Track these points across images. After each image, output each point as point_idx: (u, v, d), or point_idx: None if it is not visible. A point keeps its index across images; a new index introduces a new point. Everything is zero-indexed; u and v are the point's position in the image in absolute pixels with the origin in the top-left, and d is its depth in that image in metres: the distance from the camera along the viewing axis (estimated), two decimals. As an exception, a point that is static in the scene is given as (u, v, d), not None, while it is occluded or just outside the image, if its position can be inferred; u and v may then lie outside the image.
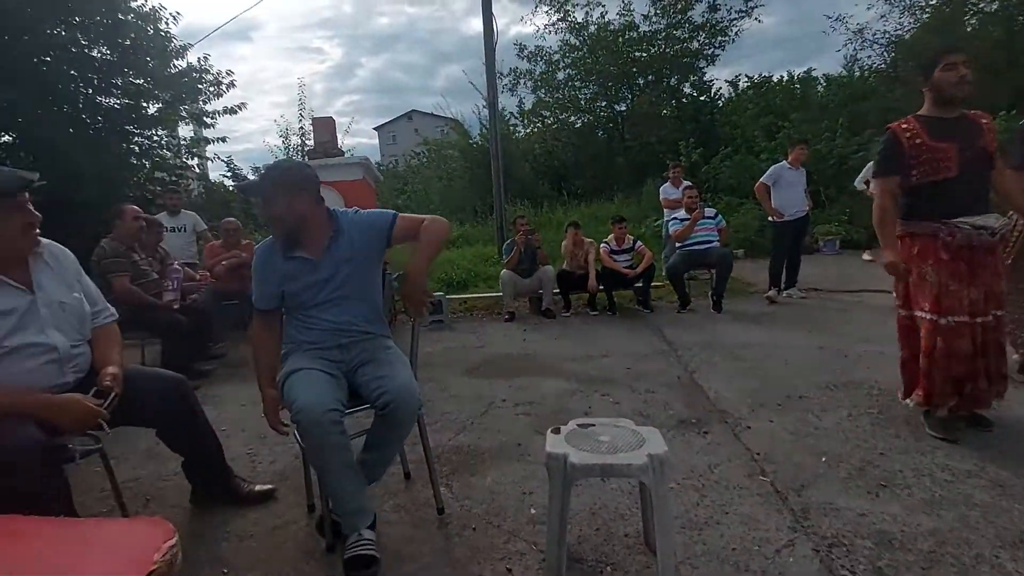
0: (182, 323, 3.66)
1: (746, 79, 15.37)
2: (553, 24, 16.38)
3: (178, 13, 9.18)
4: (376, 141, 39.23)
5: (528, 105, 17.40)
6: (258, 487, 2.11)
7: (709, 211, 5.66)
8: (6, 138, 7.96)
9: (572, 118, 17.26)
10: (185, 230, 5.32)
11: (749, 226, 9.38)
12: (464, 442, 2.56)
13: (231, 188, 13.35)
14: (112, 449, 1.86)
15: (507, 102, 17.99)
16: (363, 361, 1.82)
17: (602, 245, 5.62)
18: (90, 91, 8.52)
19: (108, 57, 8.45)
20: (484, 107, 14.35)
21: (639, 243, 5.75)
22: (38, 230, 1.57)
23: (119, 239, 3.59)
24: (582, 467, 1.49)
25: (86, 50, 8.23)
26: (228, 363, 4.30)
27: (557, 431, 1.66)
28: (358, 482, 1.70)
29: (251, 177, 13.65)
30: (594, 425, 1.71)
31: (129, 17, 8.47)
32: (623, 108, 16.77)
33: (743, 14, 15.99)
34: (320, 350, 1.81)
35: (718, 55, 16.43)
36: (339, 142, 7.33)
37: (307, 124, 14.09)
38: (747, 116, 12.82)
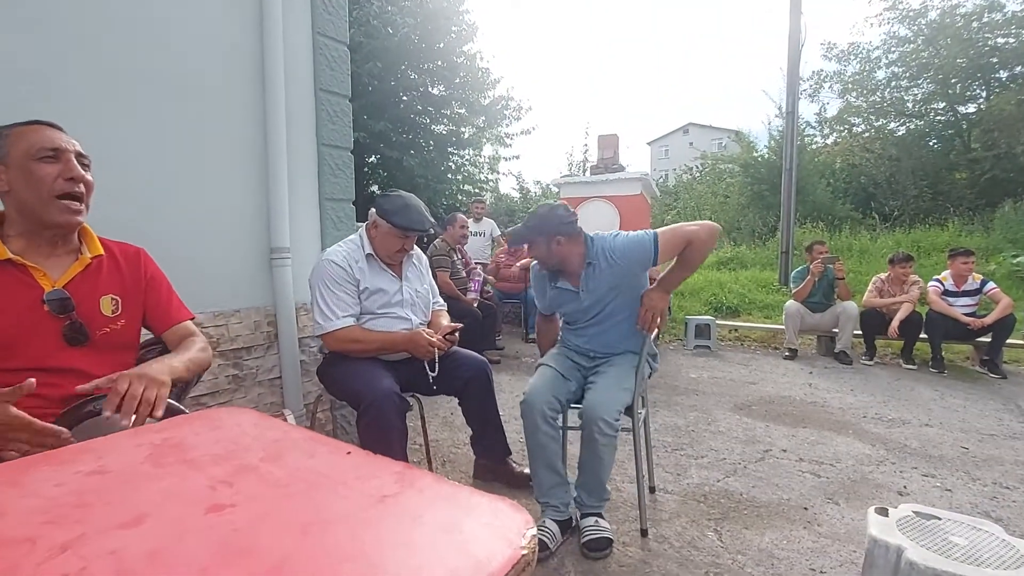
0: (478, 316, 4.26)
1: None
2: (878, 15, 13.84)
3: (494, 55, 10.82)
4: (647, 155, 39.46)
5: (832, 112, 15.09)
6: (527, 470, 2.28)
7: None
8: (372, 159, 10.55)
9: (892, 124, 14.26)
10: (484, 235, 6.21)
11: None
12: (736, 487, 2.30)
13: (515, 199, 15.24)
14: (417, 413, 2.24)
15: (804, 109, 15.90)
16: (595, 371, 1.93)
17: (931, 284, 4.45)
18: (427, 120, 10.68)
19: (442, 93, 10.48)
20: (776, 115, 13.06)
21: (991, 285, 4.36)
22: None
23: (447, 240, 4.39)
24: (926, 571, 1.15)
25: (428, 88, 10.38)
26: (505, 355, 4.82)
27: (884, 512, 1.33)
28: (557, 477, 1.82)
29: (532, 190, 15.27)
30: (940, 519, 1.32)
31: (460, 60, 10.33)
32: (971, 110, 13.11)
33: None
34: (574, 352, 2.05)
35: None
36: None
37: (589, 140, 15.05)
38: None
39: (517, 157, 11.74)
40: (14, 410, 0.85)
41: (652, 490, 2.22)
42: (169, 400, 1.04)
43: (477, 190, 11.13)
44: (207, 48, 1.95)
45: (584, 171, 13.32)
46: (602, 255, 1.91)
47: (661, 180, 21.94)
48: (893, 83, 13.99)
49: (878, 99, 14.20)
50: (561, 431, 1.97)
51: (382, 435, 1.68)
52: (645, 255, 1.84)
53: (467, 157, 11.48)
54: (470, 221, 6.14)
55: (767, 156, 13.08)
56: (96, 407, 0.97)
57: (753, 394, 3.75)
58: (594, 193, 5.77)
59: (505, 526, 0.58)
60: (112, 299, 1.20)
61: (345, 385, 1.82)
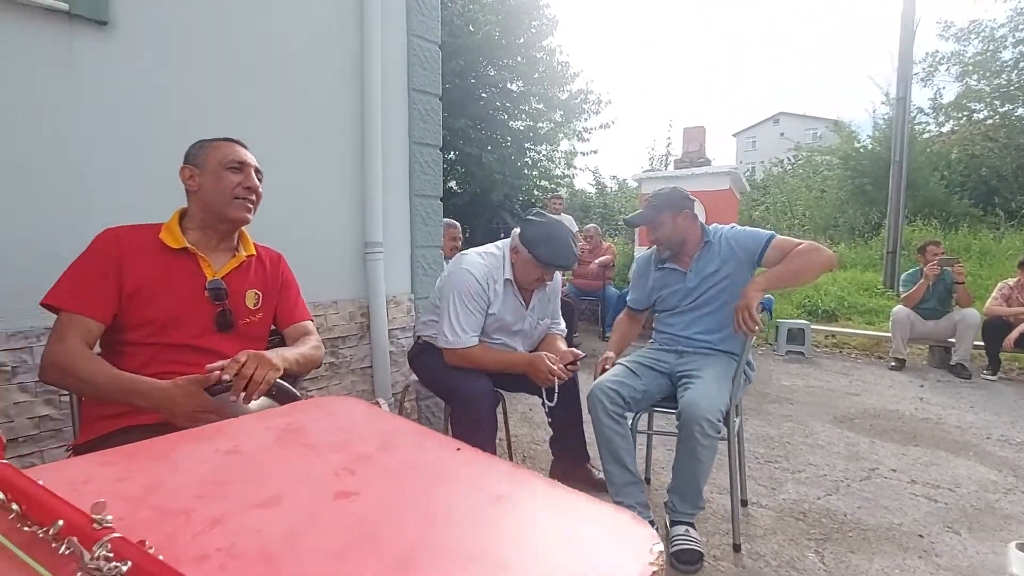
0: (556, 312, 4.24)
1: None
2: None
3: (573, 49, 10.72)
4: (733, 147, 37.51)
5: (948, 97, 13.57)
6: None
7: None
8: (451, 156, 10.80)
9: (1020, 110, 12.60)
10: (562, 231, 6.18)
11: None
12: (838, 507, 2.13)
13: (592, 196, 15.00)
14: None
15: (916, 95, 14.47)
16: (688, 372, 1.83)
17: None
18: (505, 117, 10.76)
19: (521, 89, 10.51)
20: (883, 102, 11.93)
21: None
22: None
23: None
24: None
25: (507, 84, 10.44)
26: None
27: (1031, 551, 1.17)
28: (629, 475, 1.75)
29: (609, 185, 14.99)
30: (1104, 564, 1.14)
31: (540, 55, 10.30)
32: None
33: None
34: (658, 350, 2.00)
35: None
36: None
37: (672, 133, 14.54)
38: None
39: (595, 152, 11.53)
40: (206, 394, 0.97)
41: (744, 503, 2.10)
42: (286, 385, 1.11)
43: (554, 186, 11.08)
44: (314, 56, 2.07)
45: (666, 165, 12.90)
46: (719, 239, 1.91)
47: (748, 173, 20.78)
48: (1022, 64, 12.34)
49: (1003, 82, 12.58)
50: (630, 429, 1.89)
51: (474, 429, 1.71)
52: (756, 245, 1.82)
53: (544, 152, 11.45)
54: (548, 217, 6.13)
55: (871, 147, 12.00)
56: (222, 386, 1.05)
57: (855, 406, 3.46)
58: (678, 188, 5.58)
59: (629, 538, 0.55)
60: (255, 294, 1.33)
61: (439, 377, 1.86)
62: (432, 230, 2.50)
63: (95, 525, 0.49)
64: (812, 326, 4.99)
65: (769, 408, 3.36)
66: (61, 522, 0.51)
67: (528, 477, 0.69)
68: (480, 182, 9.57)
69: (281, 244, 1.48)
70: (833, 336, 5.33)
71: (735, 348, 1.91)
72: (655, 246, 2.01)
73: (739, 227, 1.94)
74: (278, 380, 1.11)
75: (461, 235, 3.86)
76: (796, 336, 4.78)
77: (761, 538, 1.90)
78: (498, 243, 1.99)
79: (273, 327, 1.42)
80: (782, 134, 24.67)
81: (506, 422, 2.22)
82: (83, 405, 1.21)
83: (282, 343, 1.40)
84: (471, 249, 1.96)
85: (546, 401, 1.90)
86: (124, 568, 0.44)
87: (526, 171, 11.02)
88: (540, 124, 10.73)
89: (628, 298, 2.18)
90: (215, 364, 1.08)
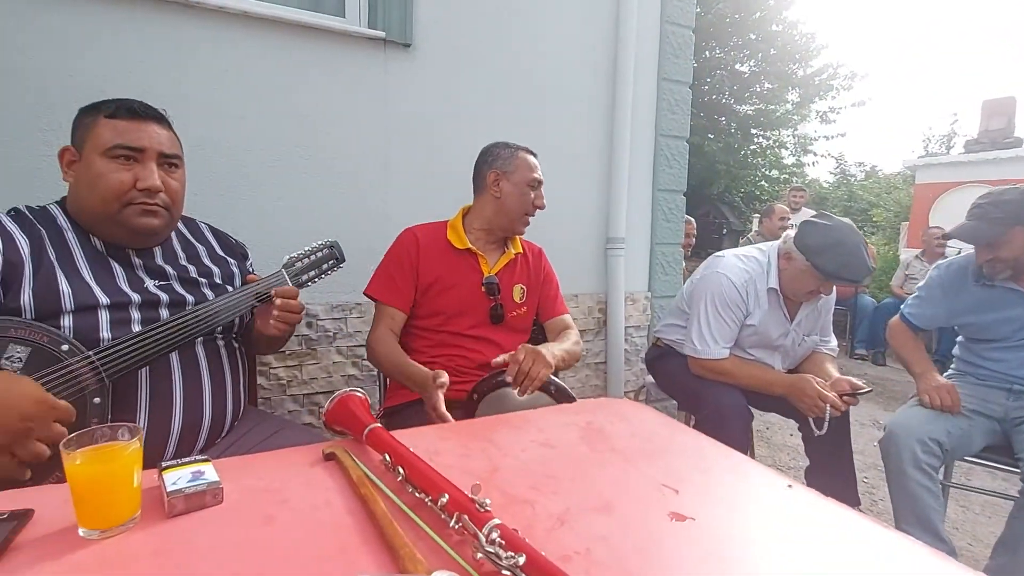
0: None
1: None
2: None
3: (818, 19, 9.27)
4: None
5: None
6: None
7: None
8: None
9: None
10: (800, 228, 5.42)
11: None
12: None
13: (825, 185, 12.85)
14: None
15: None
16: None
17: None
18: (731, 101, 9.88)
19: (753, 69, 9.52)
20: None
21: None
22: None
23: (763, 234, 3.98)
24: None
25: (735, 65, 9.55)
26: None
27: None
28: (940, 543, 1.42)
29: (856, 174, 12.71)
30: None
31: (779, 29, 9.18)
32: None
33: None
34: (977, 385, 1.62)
35: None
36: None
37: (961, 109, 11.70)
38: None
39: (842, 135, 9.82)
40: (437, 392, 1.05)
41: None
42: (562, 384, 1.16)
43: (787, 176, 9.84)
44: (567, 52, 2.11)
45: (949, 148, 10.43)
46: None
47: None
48: None
49: None
50: (940, 484, 1.52)
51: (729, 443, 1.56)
52: None
53: (773, 138, 10.22)
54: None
55: None
56: (502, 379, 1.12)
57: None
58: (971, 177, 4.43)
59: None
60: (521, 288, 1.42)
61: (683, 385, 1.75)
62: (673, 226, 2.38)
63: (478, 507, 0.53)
64: None
65: None
66: (447, 496, 0.57)
67: (868, 528, 0.57)
68: (699, 173, 8.95)
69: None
70: None
71: None
72: (984, 262, 1.57)
73: None
74: (554, 378, 1.15)
75: (695, 231, 3.64)
76: None
77: None
78: (761, 246, 1.78)
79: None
80: None
81: (751, 443, 2.00)
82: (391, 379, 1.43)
83: (541, 334, 1.46)
84: (727, 251, 1.78)
85: (815, 429, 1.63)
86: (520, 560, 0.47)
87: (751, 160, 10.00)
88: (772, 107, 9.59)
89: (911, 311, 1.77)
90: (498, 358, 1.17)
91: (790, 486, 0.68)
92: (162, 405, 0.88)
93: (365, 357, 1.90)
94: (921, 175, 4.75)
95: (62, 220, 0.90)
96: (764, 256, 1.70)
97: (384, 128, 1.83)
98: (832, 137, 9.98)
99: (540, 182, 1.37)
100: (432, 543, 0.52)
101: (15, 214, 0.87)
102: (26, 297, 0.80)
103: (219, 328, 0.97)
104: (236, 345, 1.05)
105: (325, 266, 1.14)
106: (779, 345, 1.72)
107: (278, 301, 0.98)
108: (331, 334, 1.83)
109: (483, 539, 0.49)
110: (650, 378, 2.06)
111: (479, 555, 0.49)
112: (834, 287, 1.69)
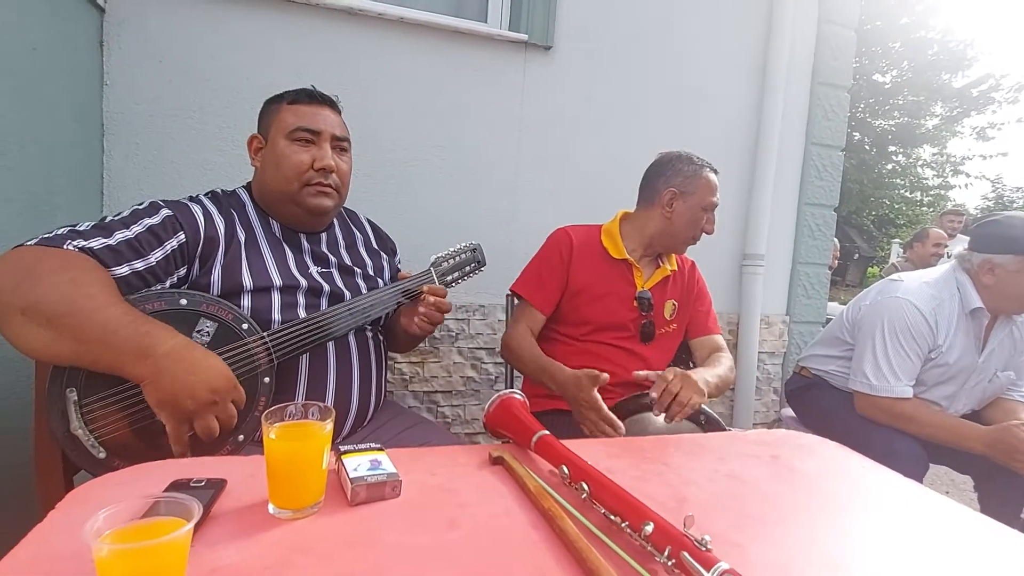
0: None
1: None
2: None
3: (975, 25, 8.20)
4: None
5: None
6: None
7: None
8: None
9: None
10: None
11: None
12: None
13: (974, 212, 11.21)
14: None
15: None
16: None
17: None
18: (867, 115, 9.00)
19: (895, 80, 8.62)
20: None
21: None
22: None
23: (912, 261, 3.52)
24: None
25: (872, 76, 8.70)
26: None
27: None
28: None
29: (1015, 199, 11.00)
30: None
31: (927, 36, 8.25)
32: None
33: None
34: None
35: None
36: None
37: None
38: None
39: (1004, 154, 8.53)
40: (596, 392, 0.97)
41: None
42: (713, 413, 1.04)
43: (930, 198, 8.75)
44: (717, 53, 1.98)
45: None
46: None
47: None
48: None
49: None
50: None
51: None
52: None
53: (915, 156, 9.15)
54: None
55: None
56: (648, 401, 1.02)
57: None
58: None
59: None
60: (672, 304, 1.32)
61: (843, 423, 1.53)
62: (820, 244, 2.14)
63: (696, 544, 0.45)
64: None
65: None
66: (651, 525, 0.49)
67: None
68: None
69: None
70: None
71: None
72: None
73: None
74: (706, 408, 1.04)
75: (839, 254, 3.30)
76: None
77: None
78: (939, 268, 1.53)
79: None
80: None
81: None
82: (523, 384, 1.38)
83: (684, 351, 1.35)
84: (904, 273, 1.55)
85: None
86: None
87: (887, 179, 9.02)
88: (917, 121, 8.60)
89: None
90: (641, 372, 1.07)
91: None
92: (317, 389, 0.89)
93: (484, 360, 1.89)
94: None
95: (248, 203, 0.95)
96: (951, 276, 1.46)
97: (518, 129, 1.82)
98: (990, 156, 8.76)
99: (716, 206, 1.26)
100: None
101: (212, 196, 0.93)
102: (216, 274, 0.84)
103: (370, 320, 0.98)
104: (381, 338, 1.06)
105: (468, 268, 1.12)
106: (964, 381, 1.46)
107: (431, 299, 0.97)
108: (454, 334, 1.84)
109: (712, 586, 0.41)
110: (788, 411, 1.85)
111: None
112: None
